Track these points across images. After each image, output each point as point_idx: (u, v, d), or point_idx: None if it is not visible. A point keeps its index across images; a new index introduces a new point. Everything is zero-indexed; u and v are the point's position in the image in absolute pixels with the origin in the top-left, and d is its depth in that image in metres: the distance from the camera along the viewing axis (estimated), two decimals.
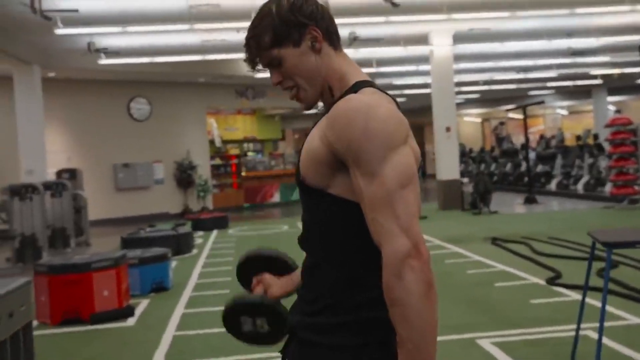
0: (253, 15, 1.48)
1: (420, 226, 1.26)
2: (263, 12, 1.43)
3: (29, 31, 11.01)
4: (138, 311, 5.89)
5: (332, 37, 1.46)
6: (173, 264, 8.02)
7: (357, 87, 1.39)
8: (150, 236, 9.00)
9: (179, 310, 5.91)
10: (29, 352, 3.81)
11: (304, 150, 1.39)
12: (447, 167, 13.69)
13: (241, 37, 1.54)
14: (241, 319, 1.55)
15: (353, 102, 1.31)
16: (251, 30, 1.44)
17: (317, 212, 1.39)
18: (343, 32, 11.32)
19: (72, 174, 12.18)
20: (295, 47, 1.41)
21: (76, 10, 9.32)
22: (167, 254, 6.93)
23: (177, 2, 9.72)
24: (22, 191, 9.27)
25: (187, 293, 6.66)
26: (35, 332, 5.22)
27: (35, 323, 5.53)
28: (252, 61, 1.46)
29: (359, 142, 1.27)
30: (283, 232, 11.63)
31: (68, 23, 9.90)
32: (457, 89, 17.91)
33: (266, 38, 1.41)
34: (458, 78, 17.60)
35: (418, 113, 28.39)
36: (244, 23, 8.75)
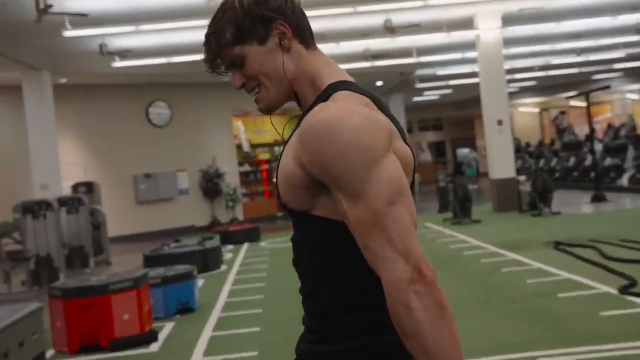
0: None
1: (418, 243, 1.24)
2: (225, 6, 1.43)
3: (36, 35, 11.26)
4: (162, 335, 5.93)
5: (304, 34, 1.44)
6: (200, 282, 8.09)
7: (329, 90, 1.37)
8: (174, 252, 9.10)
9: (207, 333, 5.94)
10: None
11: (280, 172, 1.38)
12: (501, 165, 13.50)
13: None
14: None
15: (321, 114, 1.28)
16: (212, 25, 1.43)
17: (304, 234, 1.39)
18: (377, 20, 11.16)
19: (89, 187, 12.43)
20: (260, 44, 1.40)
21: (85, 15, 9.49)
22: (193, 272, 6.98)
23: None
24: (35, 208, 9.47)
25: (216, 314, 6.70)
26: None
27: (52, 352, 5.63)
28: (211, 61, 1.45)
29: (334, 162, 1.24)
30: None
31: (77, 24, 10.10)
32: (509, 77, 17.70)
33: (228, 34, 1.40)
34: (510, 64, 17.36)
35: (466, 105, 28.17)
36: None
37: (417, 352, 1.21)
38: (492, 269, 7.68)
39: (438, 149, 32.46)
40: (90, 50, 12.34)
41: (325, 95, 1.36)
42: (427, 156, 31.40)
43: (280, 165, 1.38)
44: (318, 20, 11.33)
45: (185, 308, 6.77)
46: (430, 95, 26.44)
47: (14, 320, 3.61)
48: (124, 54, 12.49)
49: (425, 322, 1.19)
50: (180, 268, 7.11)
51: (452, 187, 12.46)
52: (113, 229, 13.49)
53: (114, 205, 15.08)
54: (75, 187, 12.66)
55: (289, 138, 1.41)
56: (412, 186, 1.37)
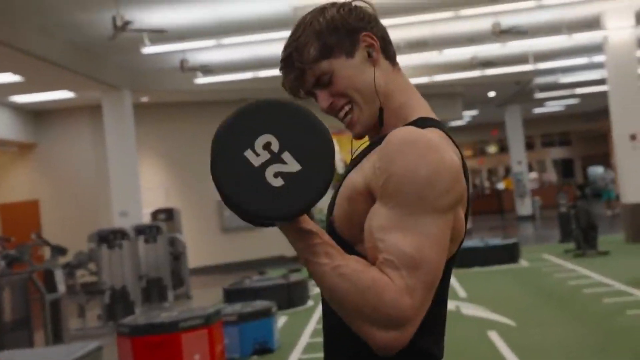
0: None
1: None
2: (305, 20, 1.46)
3: (115, 52, 11.91)
4: None
5: (389, 49, 1.48)
6: (282, 319, 8.25)
7: (420, 124, 1.39)
8: (256, 286, 9.32)
9: None
10: None
11: (342, 186, 1.43)
12: (635, 187, 12.99)
13: None
14: (245, 154, 1.31)
15: (415, 134, 1.31)
16: (292, 42, 1.45)
17: None
18: (485, 24, 11.09)
19: (169, 214, 12.89)
20: (348, 57, 1.42)
21: (164, 31, 9.95)
22: (272, 309, 7.14)
23: (279, 5, 10.12)
24: (110, 237, 9.97)
25: (296, 355, 6.83)
26: None
27: None
28: (296, 80, 1.46)
29: (401, 181, 1.27)
30: None
31: (156, 40, 10.62)
32: None
33: (312, 49, 1.42)
34: None
35: (598, 117, 27.24)
36: None
37: (341, 300, 1.30)
38: (615, 310, 7.41)
39: (565, 167, 31.53)
40: (171, 66, 12.91)
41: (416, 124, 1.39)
42: (551, 176, 30.56)
43: (345, 180, 1.42)
44: (418, 26, 11.41)
45: (263, 348, 6.92)
46: (554, 106, 25.78)
47: None
48: (207, 69, 12.98)
49: (383, 310, 1.25)
50: (259, 304, 7.29)
51: (573, 213, 12.10)
52: (195, 259, 13.91)
53: (197, 233, 15.57)
54: (154, 215, 13.17)
55: (354, 159, 1.46)
56: (454, 257, 1.41)
